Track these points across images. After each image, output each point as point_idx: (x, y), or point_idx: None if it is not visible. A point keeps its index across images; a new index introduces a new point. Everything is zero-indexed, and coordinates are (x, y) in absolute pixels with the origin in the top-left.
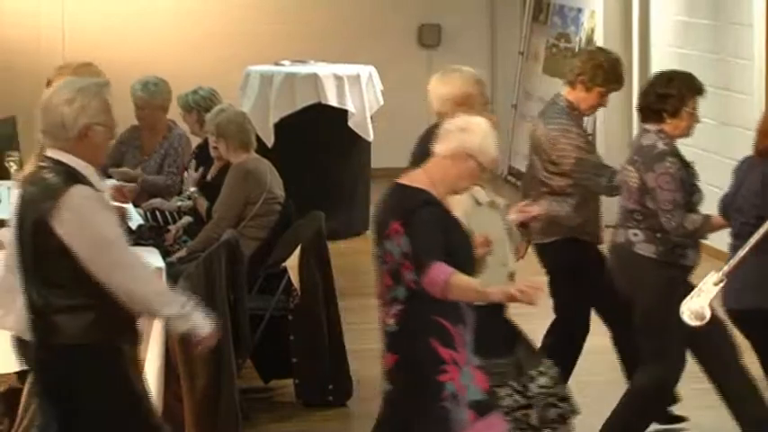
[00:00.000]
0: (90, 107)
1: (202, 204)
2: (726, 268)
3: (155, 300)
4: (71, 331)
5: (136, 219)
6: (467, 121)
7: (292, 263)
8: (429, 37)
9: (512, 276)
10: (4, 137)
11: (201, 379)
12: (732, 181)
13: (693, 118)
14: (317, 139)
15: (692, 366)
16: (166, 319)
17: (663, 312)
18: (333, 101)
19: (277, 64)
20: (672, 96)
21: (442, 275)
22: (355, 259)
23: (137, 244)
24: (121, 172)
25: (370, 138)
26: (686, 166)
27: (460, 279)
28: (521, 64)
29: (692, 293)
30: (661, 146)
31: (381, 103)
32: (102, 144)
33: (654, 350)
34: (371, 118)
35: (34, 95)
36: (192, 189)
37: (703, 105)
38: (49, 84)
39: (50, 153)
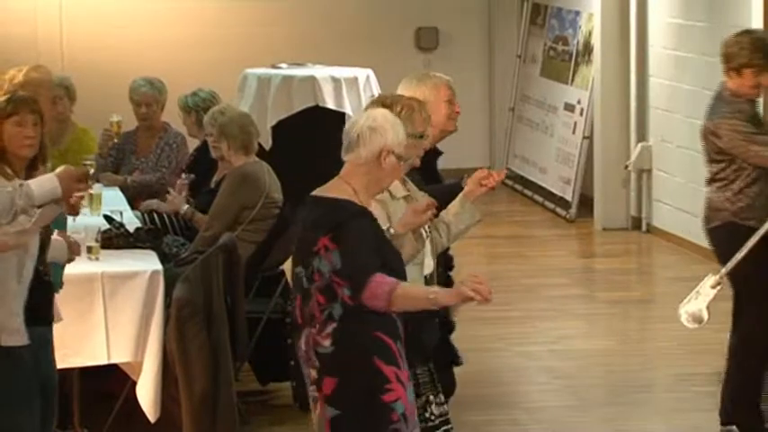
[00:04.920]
0: None
1: (201, 220)
2: (723, 271)
3: None
4: None
5: (133, 221)
6: (372, 119)
7: (289, 266)
8: (426, 40)
9: (430, 277)
10: None
11: (199, 382)
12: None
13: None
14: (314, 141)
15: (695, 368)
16: None
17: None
18: (330, 103)
19: (274, 66)
20: None
21: (386, 287)
22: None
23: (134, 246)
24: (107, 177)
25: None
26: None
27: (407, 287)
28: (518, 67)
29: (690, 296)
30: None
31: None
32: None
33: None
34: None
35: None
36: (185, 207)
37: (701, 107)
38: None
39: None
